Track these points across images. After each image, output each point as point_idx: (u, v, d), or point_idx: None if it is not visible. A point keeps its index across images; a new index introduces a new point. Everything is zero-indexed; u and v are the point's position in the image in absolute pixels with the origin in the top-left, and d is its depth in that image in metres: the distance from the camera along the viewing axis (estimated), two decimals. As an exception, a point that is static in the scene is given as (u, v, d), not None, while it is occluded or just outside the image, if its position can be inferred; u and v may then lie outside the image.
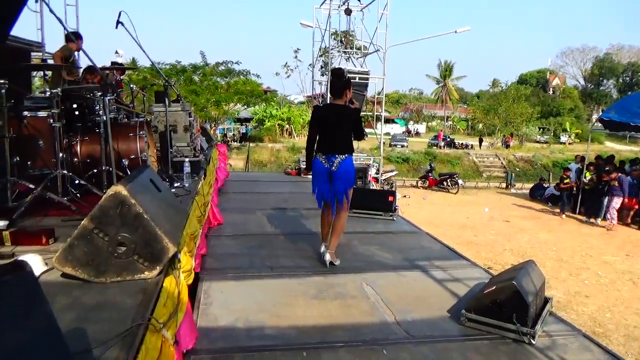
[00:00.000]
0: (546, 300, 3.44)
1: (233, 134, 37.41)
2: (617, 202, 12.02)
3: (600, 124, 16.73)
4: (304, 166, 4.94)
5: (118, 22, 3.83)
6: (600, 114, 17.78)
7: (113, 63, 7.21)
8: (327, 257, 4.12)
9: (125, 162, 3.75)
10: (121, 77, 6.24)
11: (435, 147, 35.77)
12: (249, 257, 4.29)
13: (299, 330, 2.91)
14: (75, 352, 1.45)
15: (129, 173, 3.56)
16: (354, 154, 4.25)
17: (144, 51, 4.38)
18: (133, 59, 27.18)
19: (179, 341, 2.16)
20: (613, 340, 5.67)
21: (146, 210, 2.20)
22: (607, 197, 12.35)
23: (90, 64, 3.65)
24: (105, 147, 3.44)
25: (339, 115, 4.04)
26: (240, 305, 3.17)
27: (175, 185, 4.29)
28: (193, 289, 3.09)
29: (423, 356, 2.71)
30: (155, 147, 4.75)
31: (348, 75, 5.17)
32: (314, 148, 4.17)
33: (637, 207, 12.53)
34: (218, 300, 3.23)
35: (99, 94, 3.58)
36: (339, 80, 4.13)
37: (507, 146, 39.09)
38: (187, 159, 4.68)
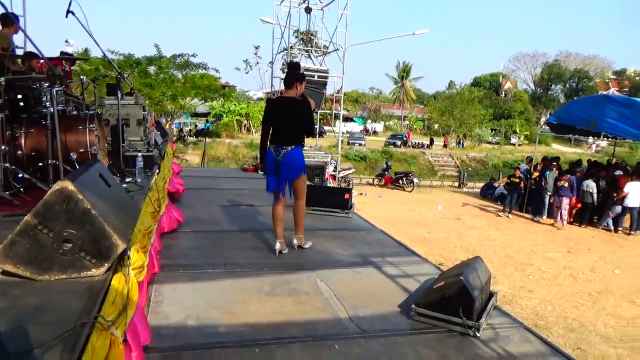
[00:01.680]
0: (491, 295, 3.60)
1: (190, 129, 36.70)
2: (566, 202, 12.65)
3: (547, 127, 17.53)
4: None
5: (68, 11, 3.69)
6: (548, 117, 18.64)
7: (62, 53, 6.92)
8: (295, 241, 4.48)
9: (74, 155, 3.62)
10: (71, 68, 6.00)
11: (392, 147, 36.39)
12: (202, 254, 4.24)
13: (251, 327, 2.91)
14: (14, 352, 1.40)
15: (77, 167, 3.45)
16: (314, 152, 4.33)
17: (95, 41, 4.23)
18: (86, 49, 26.13)
19: (132, 339, 2.12)
20: (553, 332, 5.99)
21: (94, 206, 2.14)
22: (555, 198, 12.98)
23: (33, 50, 3.49)
24: (52, 139, 3.31)
25: (287, 108, 4.16)
26: (192, 302, 3.14)
27: (127, 180, 4.18)
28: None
29: (374, 350, 2.78)
30: (107, 140, 4.60)
31: (303, 70, 5.28)
32: (267, 141, 4.27)
33: (579, 206, 13.23)
34: (169, 298, 3.19)
35: (46, 84, 3.44)
36: (292, 72, 4.29)
37: (445, 145, 40.34)
38: (140, 154, 4.56)
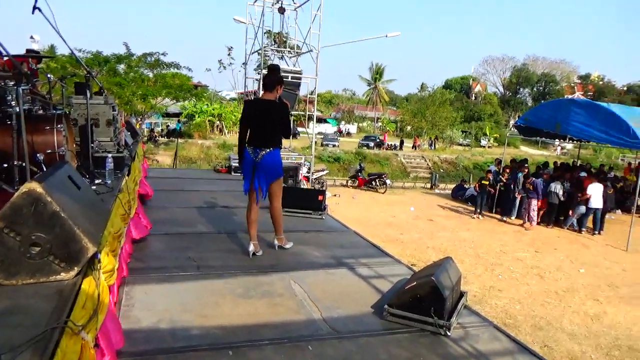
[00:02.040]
0: (462, 295, 3.68)
1: (161, 129, 36.10)
2: (534, 204, 13.01)
3: (515, 130, 17.99)
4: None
5: (35, 7, 3.58)
6: (516, 120, 19.14)
7: (28, 50, 6.71)
8: (275, 241, 4.56)
9: (41, 157, 3.51)
10: (37, 65, 5.83)
11: (366, 148, 36.67)
12: (175, 256, 4.19)
13: (225, 329, 2.90)
14: (-20, 359, 1.36)
15: (45, 169, 3.36)
16: (288, 153, 4.35)
17: (63, 39, 4.12)
18: (52, 46, 25.41)
19: (104, 343, 2.09)
20: (522, 331, 6.15)
21: (63, 209, 2.10)
22: (524, 199, 13.34)
23: None
24: (18, 140, 3.21)
25: (266, 110, 4.16)
26: (164, 306, 3.10)
27: (97, 182, 4.08)
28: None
29: (347, 351, 2.80)
30: (75, 141, 4.48)
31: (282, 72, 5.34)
32: (245, 143, 4.28)
33: (545, 207, 13.62)
34: (141, 301, 3.14)
35: (12, 83, 3.33)
36: (273, 75, 4.28)
37: (414, 147, 40.91)
38: (110, 155, 4.47)
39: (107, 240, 2.61)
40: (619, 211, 15.35)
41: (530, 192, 12.99)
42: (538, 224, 13.43)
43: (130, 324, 2.81)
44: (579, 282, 8.46)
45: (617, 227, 13.10)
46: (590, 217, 12.85)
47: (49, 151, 3.58)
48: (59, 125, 3.67)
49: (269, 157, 4.17)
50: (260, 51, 13.43)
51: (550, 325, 6.43)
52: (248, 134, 4.24)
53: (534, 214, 13.08)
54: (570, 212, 12.98)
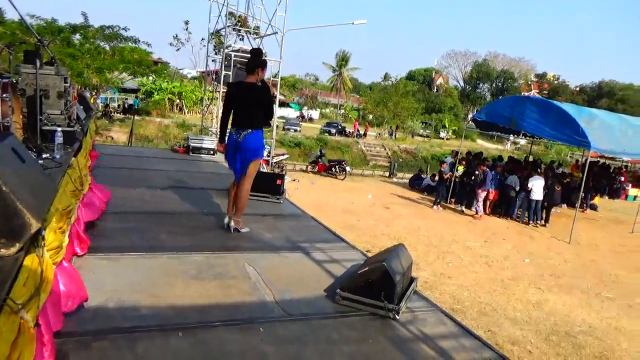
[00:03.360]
0: (412, 280, 3.78)
1: (118, 105, 34.82)
2: (482, 194, 13.47)
3: (472, 123, 18.49)
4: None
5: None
6: (475, 114, 19.66)
7: (-28, 13, 6.30)
8: (232, 223, 4.51)
9: (-17, 127, 3.33)
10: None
11: (327, 135, 36.74)
12: (126, 236, 4.09)
13: (176, 310, 2.87)
14: None
15: (-13, 140, 3.18)
16: None
17: (10, 1, 3.90)
18: (-1, 9, 23.90)
19: (43, 323, 2.02)
20: (467, 316, 6.41)
21: (5, 182, 2.00)
22: (475, 190, 13.79)
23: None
24: (-42, 108, 3.03)
25: (247, 93, 4.35)
26: (113, 285, 3.03)
27: (44, 156, 3.91)
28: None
29: (299, 332, 2.83)
30: (22, 113, 4.27)
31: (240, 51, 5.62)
32: (227, 124, 4.56)
33: (497, 198, 14.14)
34: (89, 281, 3.03)
35: (-48, 47, 3.13)
36: (254, 59, 4.42)
37: (359, 133, 40.53)
38: (59, 129, 4.27)
39: (53, 217, 2.51)
40: (564, 205, 16.14)
41: (479, 182, 13.46)
42: (489, 214, 13.94)
43: (76, 303, 2.72)
44: (523, 271, 8.87)
45: (562, 221, 13.80)
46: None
47: (-7, 121, 3.40)
48: (4, 95, 3.49)
49: (249, 138, 4.34)
50: (221, 31, 13.15)
51: (494, 311, 6.73)
52: (231, 116, 4.45)
53: (481, 204, 13.59)
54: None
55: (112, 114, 29.19)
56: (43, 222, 2.23)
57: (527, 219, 13.47)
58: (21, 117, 4.21)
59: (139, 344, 2.42)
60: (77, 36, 22.32)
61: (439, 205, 14.64)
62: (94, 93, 24.63)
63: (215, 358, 2.44)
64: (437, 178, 15.55)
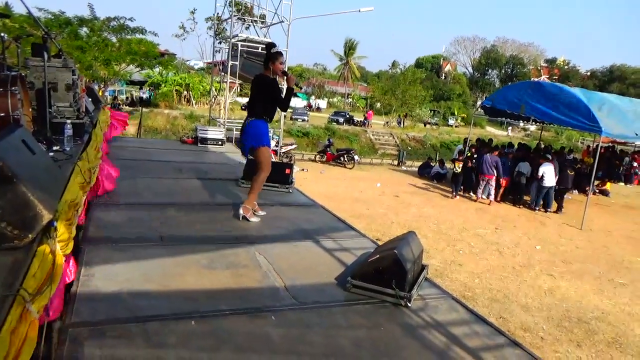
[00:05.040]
0: (423, 268, 3.77)
1: (126, 97, 34.96)
2: (482, 179, 13.49)
3: (482, 110, 18.30)
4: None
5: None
6: (484, 100, 19.47)
7: (-20, 7, 6.31)
8: (240, 210, 4.60)
9: (-6, 120, 3.35)
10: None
11: (335, 124, 36.59)
12: (138, 227, 4.11)
13: (188, 299, 2.88)
14: None
15: (-2, 132, 3.20)
16: None
17: (18, -4, 3.90)
18: (6, 3, 23.98)
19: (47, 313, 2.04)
20: (479, 303, 6.39)
21: (16, 174, 2.01)
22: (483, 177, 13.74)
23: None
24: (-32, 102, 3.05)
25: (257, 84, 4.66)
26: (125, 276, 3.05)
27: (54, 148, 3.93)
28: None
29: (309, 320, 2.84)
30: (31, 105, 4.29)
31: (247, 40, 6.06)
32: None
33: (506, 185, 14.03)
34: (101, 272, 3.07)
35: (-40, 40, 3.13)
36: (266, 53, 4.65)
37: (364, 123, 40.07)
38: (69, 121, 4.29)
39: (63, 209, 2.53)
40: (575, 191, 15.98)
41: (484, 169, 13.39)
42: (499, 201, 13.86)
43: (89, 293, 2.75)
44: (535, 258, 8.82)
45: (574, 207, 13.66)
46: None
47: (2, 115, 3.42)
48: (13, 88, 3.50)
49: (251, 124, 4.62)
50: (226, 20, 13.08)
51: (506, 298, 6.71)
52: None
53: (481, 189, 13.56)
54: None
55: (120, 106, 29.31)
56: (54, 214, 2.25)
57: (540, 206, 13.33)
58: (30, 110, 4.23)
59: (152, 332, 2.44)
60: (85, 29, 22.35)
61: (456, 194, 14.47)
62: (102, 85, 24.72)
63: (227, 345, 2.45)
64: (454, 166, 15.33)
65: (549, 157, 13.67)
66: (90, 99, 6.84)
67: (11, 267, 1.86)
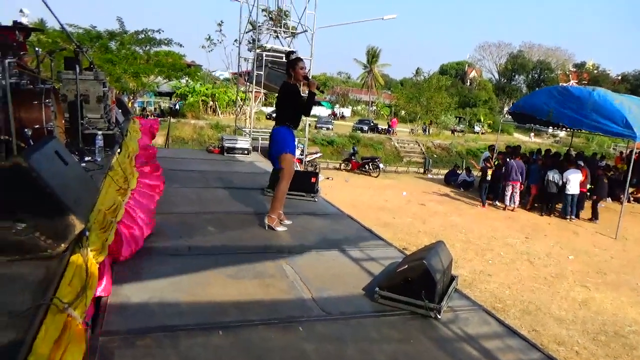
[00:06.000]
0: (452, 278, 3.68)
1: (153, 108, 35.69)
2: (508, 186, 13.22)
3: (509, 116, 17.97)
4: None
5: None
6: (510, 106, 19.13)
7: (16, 23, 6.55)
8: (266, 220, 4.63)
9: (28, 132, 3.43)
10: (26, 38, 5.68)
11: (360, 132, 36.50)
12: (165, 236, 4.15)
13: (215, 309, 2.88)
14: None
15: (32, 144, 3.28)
16: None
17: (51, 11, 4.01)
18: (41, 19, 24.86)
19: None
20: (510, 315, 6.22)
21: (50, 184, 2.04)
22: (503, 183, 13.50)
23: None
24: (5, 114, 3.13)
25: (281, 92, 4.74)
26: (154, 285, 3.07)
27: (86, 159, 4.01)
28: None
29: (339, 331, 2.80)
30: (64, 117, 4.39)
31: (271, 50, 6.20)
32: None
33: (536, 193, 13.70)
34: (131, 280, 3.10)
35: (-2, 55, 3.23)
36: (286, 60, 4.84)
37: (387, 130, 39.52)
38: (100, 132, 4.39)
39: (96, 218, 2.56)
40: (609, 199, 15.48)
41: (508, 174, 13.12)
42: (528, 210, 13.54)
43: (120, 301, 2.78)
44: (568, 268, 8.55)
45: (607, 215, 13.23)
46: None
47: (37, 126, 3.50)
48: (47, 100, 3.59)
49: (274, 132, 4.71)
50: (254, 31, 13.24)
51: (538, 310, 6.51)
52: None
53: (508, 196, 13.28)
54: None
55: (149, 117, 29.94)
56: (86, 223, 2.28)
57: (571, 214, 12.95)
58: (63, 121, 4.33)
59: (181, 342, 2.44)
60: (114, 42, 22.95)
61: (483, 203, 14.20)
62: (131, 97, 25.30)
63: (256, 356, 2.43)
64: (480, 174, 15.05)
65: (582, 164, 13.30)
66: (120, 110, 6.98)
67: (45, 277, 1.89)
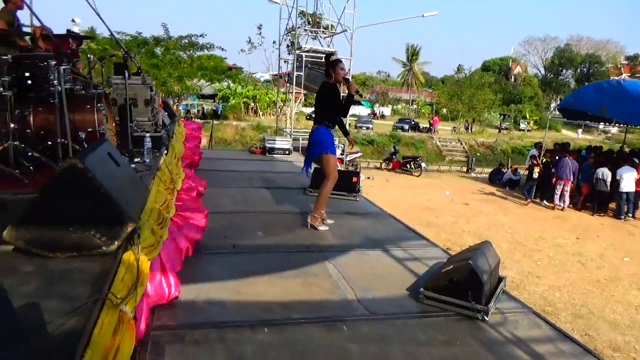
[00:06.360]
0: (500, 279, 3.57)
1: (197, 111, 36.62)
2: (558, 184, 12.69)
3: (558, 112, 17.28)
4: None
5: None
6: (558, 102, 18.40)
7: (69, 32, 6.88)
8: (309, 219, 4.64)
9: (82, 135, 3.60)
10: (78, 46, 5.95)
11: (400, 131, 36.09)
12: (210, 235, 4.23)
13: (260, 307, 2.91)
14: (27, 327, 1.40)
15: (86, 146, 3.43)
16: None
17: (102, 20, 4.18)
18: (91, 27, 25.99)
19: (137, 314, 2.13)
20: (561, 318, 5.98)
21: (103, 184, 2.13)
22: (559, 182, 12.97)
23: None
24: (60, 118, 3.29)
25: (319, 92, 4.75)
26: (200, 283, 3.14)
27: (136, 160, 4.16)
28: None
29: (384, 332, 2.77)
30: (114, 120, 4.58)
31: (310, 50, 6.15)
32: None
33: (587, 192, 13.11)
34: (179, 277, 3.18)
35: (54, 62, 3.40)
36: (325, 62, 4.73)
37: (429, 129, 38.59)
38: (148, 134, 4.54)
39: (147, 216, 2.65)
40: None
41: (565, 173, 12.61)
42: (579, 209, 12.99)
43: (168, 299, 2.85)
44: (622, 270, 8.14)
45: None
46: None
47: (90, 129, 3.67)
48: (99, 105, 3.75)
49: (312, 132, 4.71)
50: (293, 32, 13.33)
51: (591, 313, 6.23)
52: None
53: (558, 195, 12.78)
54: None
55: (193, 119, 30.74)
56: (137, 222, 2.36)
57: (624, 213, 12.33)
58: (114, 124, 4.51)
59: (228, 337, 2.49)
60: (159, 48, 23.71)
61: (529, 201, 13.76)
62: (176, 100, 26.05)
63: (299, 353, 2.44)
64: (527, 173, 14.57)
65: (637, 161, 12.63)
66: (166, 113, 7.21)
67: (100, 273, 1.97)
